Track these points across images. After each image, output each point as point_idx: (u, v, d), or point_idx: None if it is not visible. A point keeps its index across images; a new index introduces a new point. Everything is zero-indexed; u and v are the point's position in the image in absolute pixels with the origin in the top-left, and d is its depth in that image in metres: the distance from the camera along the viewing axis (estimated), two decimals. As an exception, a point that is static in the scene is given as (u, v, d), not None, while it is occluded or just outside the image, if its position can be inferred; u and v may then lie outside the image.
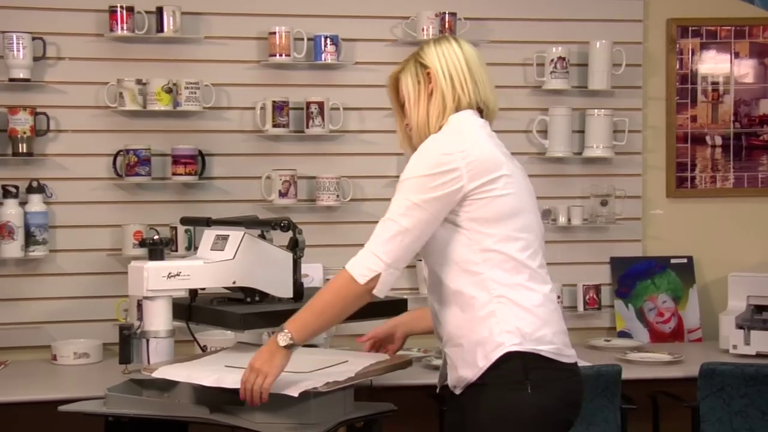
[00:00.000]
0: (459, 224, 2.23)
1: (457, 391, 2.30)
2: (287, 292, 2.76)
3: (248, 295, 2.75)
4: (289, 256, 2.76)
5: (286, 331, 2.22)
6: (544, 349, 2.22)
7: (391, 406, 2.58)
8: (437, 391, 2.47)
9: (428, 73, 2.34)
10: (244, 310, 2.63)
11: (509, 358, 2.20)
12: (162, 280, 2.61)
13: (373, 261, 2.20)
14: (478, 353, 2.22)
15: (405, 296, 3.63)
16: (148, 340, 2.64)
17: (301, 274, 2.80)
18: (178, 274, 2.62)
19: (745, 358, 3.37)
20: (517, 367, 2.20)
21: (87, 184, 3.54)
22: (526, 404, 2.19)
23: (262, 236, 2.79)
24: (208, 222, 2.91)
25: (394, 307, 2.81)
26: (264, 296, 2.75)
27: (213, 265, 2.66)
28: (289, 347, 2.22)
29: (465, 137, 2.26)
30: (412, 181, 2.23)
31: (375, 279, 2.20)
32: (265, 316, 2.64)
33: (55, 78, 3.52)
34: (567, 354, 2.27)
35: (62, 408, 2.58)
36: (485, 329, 2.22)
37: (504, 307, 2.22)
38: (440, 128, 2.31)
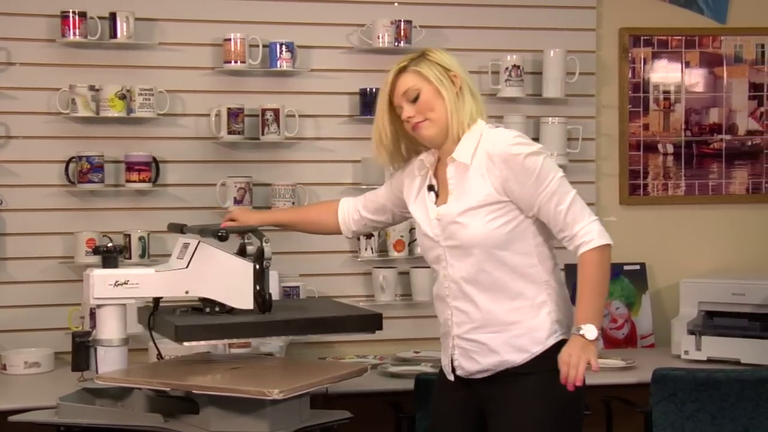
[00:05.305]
0: (529, 216, 2.39)
1: (480, 376, 2.42)
2: (246, 303, 2.62)
3: (208, 305, 2.64)
4: (249, 265, 2.61)
5: (589, 325, 2.30)
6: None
7: (347, 414, 2.57)
8: (452, 377, 2.49)
9: (454, 76, 2.42)
10: (188, 322, 2.54)
11: (558, 346, 2.35)
12: (108, 288, 2.56)
13: (598, 222, 2.37)
14: (531, 339, 2.37)
15: (360, 303, 3.65)
16: (96, 349, 2.61)
17: (268, 285, 2.65)
18: (125, 283, 2.56)
19: (696, 363, 3.41)
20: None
21: (39, 191, 3.50)
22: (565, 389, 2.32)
23: (242, 246, 2.69)
24: (182, 229, 2.81)
25: (369, 321, 2.67)
26: (229, 308, 2.63)
27: (164, 274, 2.59)
28: (597, 338, 2.31)
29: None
30: (543, 163, 2.35)
31: None
32: (207, 329, 2.53)
33: (5, 84, 3.48)
34: None
35: (13, 418, 2.55)
36: (539, 317, 2.38)
37: (552, 298, 2.40)
38: (469, 128, 2.41)
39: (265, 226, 2.76)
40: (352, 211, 2.73)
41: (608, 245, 2.35)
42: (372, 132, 2.52)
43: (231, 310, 2.61)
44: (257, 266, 2.59)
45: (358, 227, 2.75)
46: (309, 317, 2.66)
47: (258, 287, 2.60)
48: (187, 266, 2.59)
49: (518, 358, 2.38)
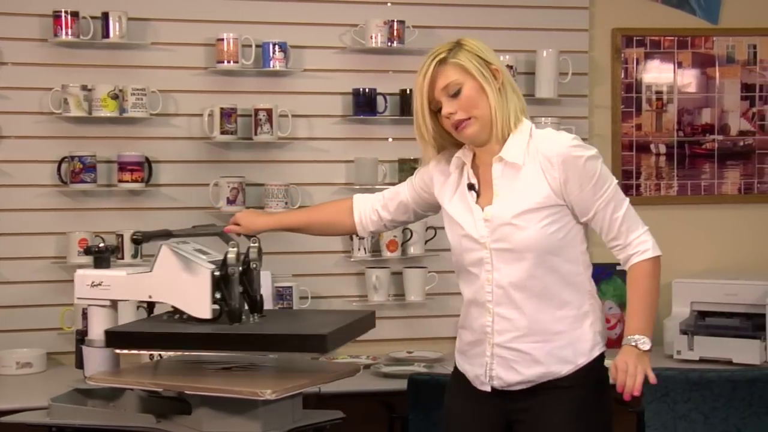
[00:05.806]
0: (580, 222, 2.34)
1: (519, 387, 2.32)
2: (203, 312, 2.41)
3: (177, 312, 2.50)
4: (207, 272, 2.39)
5: (644, 336, 2.31)
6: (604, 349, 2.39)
7: (339, 414, 2.57)
8: (488, 388, 2.35)
9: (495, 70, 2.29)
10: (126, 328, 2.49)
11: (600, 358, 2.34)
12: (86, 288, 2.52)
13: (649, 233, 2.36)
14: (575, 350, 2.31)
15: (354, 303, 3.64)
16: (83, 349, 2.60)
17: (235, 293, 2.41)
18: (100, 284, 2.52)
19: (688, 363, 3.42)
20: (601, 368, 2.34)
21: (31, 191, 3.49)
22: (608, 402, 2.33)
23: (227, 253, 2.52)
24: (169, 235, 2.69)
25: (311, 342, 2.39)
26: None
27: (132, 277, 2.52)
28: (650, 349, 2.31)
29: None
30: (602, 168, 2.31)
31: None
32: (132, 337, 2.42)
33: (-3, 83, 3.48)
34: None
35: (4, 419, 2.54)
36: (583, 328, 2.33)
37: (594, 309, 2.37)
38: (515, 126, 2.31)
39: (275, 231, 2.66)
40: (369, 211, 2.58)
41: (660, 257, 2.34)
42: (414, 130, 2.36)
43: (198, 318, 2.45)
44: (216, 273, 2.40)
45: (376, 227, 2.61)
46: (246, 333, 2.39)
47: (220, 296, 2.41)
48: (151, 270, 2.50)
49: (563, 369, 2.30)
